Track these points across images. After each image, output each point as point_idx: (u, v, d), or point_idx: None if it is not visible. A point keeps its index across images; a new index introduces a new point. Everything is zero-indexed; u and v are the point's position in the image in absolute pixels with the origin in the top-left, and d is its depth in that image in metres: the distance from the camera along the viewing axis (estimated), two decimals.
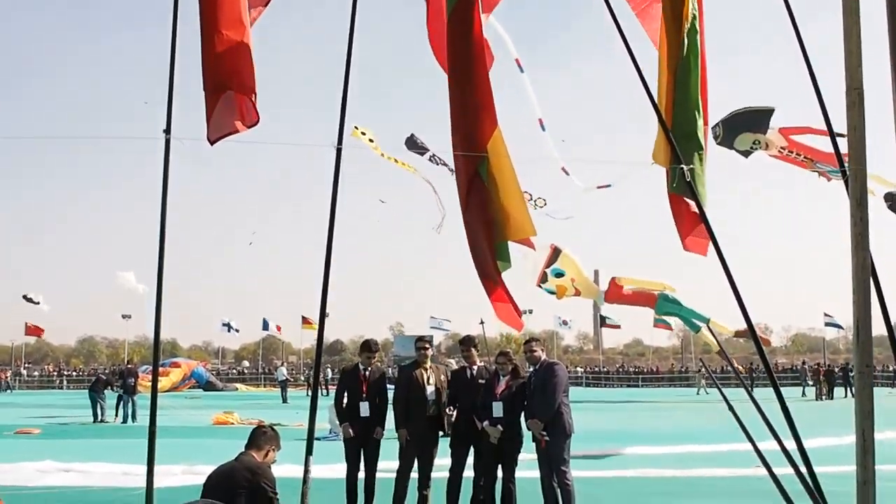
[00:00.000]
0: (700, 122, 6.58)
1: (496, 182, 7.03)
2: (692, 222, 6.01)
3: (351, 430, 9.64)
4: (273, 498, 5.76)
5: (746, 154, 23.04)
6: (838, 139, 4.30)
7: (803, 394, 42.80)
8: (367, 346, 10.23)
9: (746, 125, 22.02)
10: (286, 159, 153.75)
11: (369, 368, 9.95)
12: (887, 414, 13.54)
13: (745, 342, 40.91)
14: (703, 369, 47.46)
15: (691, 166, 5.73)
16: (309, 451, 4.00)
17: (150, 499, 3.39)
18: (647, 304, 37.76)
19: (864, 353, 2.72)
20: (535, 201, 22.09)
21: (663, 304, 36.77)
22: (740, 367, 48.70)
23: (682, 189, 5.91)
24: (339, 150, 6.44)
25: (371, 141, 18.74)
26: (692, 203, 5.86)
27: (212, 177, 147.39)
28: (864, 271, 2.79)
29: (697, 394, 47.23)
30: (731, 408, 2.42)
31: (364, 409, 9.69)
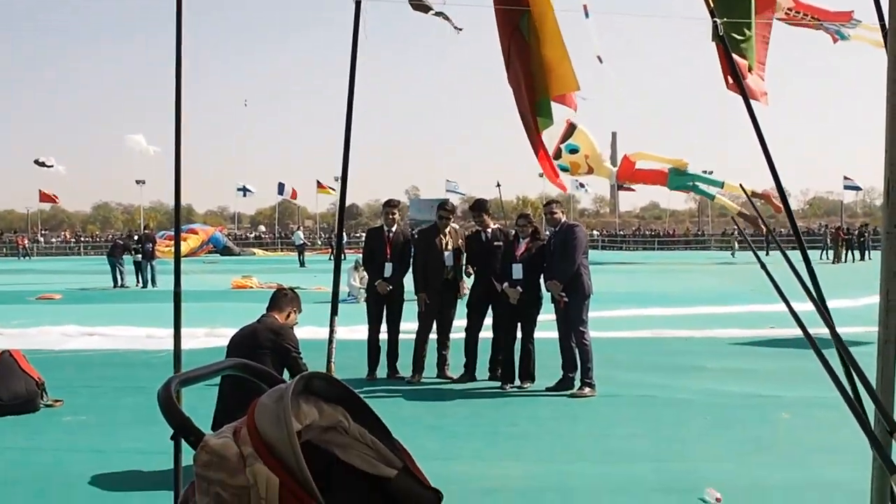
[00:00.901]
0: None
1: (538, 36, 6.73)
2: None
3: (384, 286, 9.73)
4: (296, 358, 5.81)
5: None
6: None
7: (822, 257, 42.89)
8: (388, 203, 10.23)
9: None
10: (304, 14, 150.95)
11: (393, 230, 9.97)
12: None
13: (761, 205, 40.93)
14: (737, 232, 47.98)
15: (724, 20, 5.49)
16: (334, 311, 3.99)
17: (179, 359, 3.40)
18: (658, 182, 38.00)
19: (894, 213, 2.65)
20: None
21: (674, 179, 37.15)
22: (781, 207, 48.78)
23: (720, 41, 5.69)
24: (358, 3, 6.13)
25: None
26: (735, 56, 5.65)
27: (227, 37, 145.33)
28: None
29: (732, 256, 47.49)
30: (764, 268, 2.33)
31: (387, 269, 9.76)
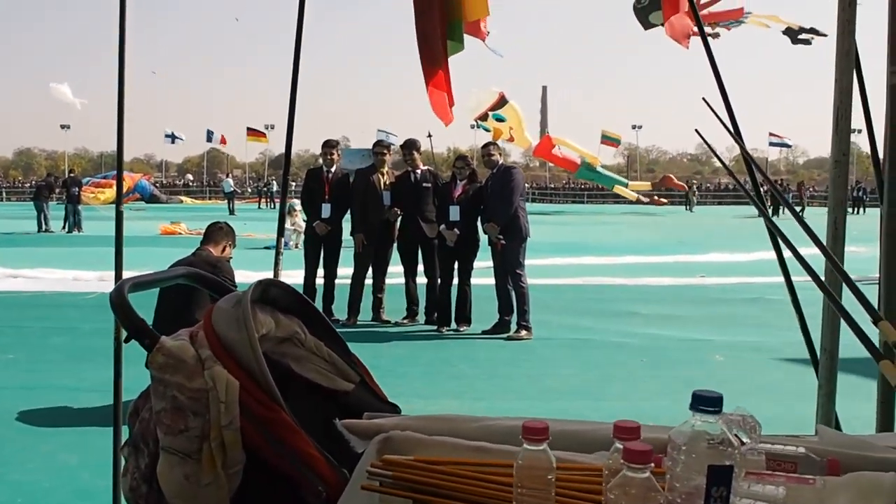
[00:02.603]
0: None
1: None
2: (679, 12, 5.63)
3: (323, 227, 9.58)
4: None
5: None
6: None
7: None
8: (327, 143, 10.03)
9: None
10: None
11: (332, 170, 9.81)
12: None
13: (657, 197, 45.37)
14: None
15: None
16: (280, 233, 3.88)
17: (120, 271, 3.28)
18: (569, 168, 40.94)
19: (843, 141, 2.80)
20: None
21: (583, 172, 40.05)
22: (684, 185, 51.36)
23: None
24: None
25: None
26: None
27: None
28: (849, 58, 2.82)
29: (690, 210, 48.81)
30: (801, 220, 2.30)
31: (325, 210, 9.61)
